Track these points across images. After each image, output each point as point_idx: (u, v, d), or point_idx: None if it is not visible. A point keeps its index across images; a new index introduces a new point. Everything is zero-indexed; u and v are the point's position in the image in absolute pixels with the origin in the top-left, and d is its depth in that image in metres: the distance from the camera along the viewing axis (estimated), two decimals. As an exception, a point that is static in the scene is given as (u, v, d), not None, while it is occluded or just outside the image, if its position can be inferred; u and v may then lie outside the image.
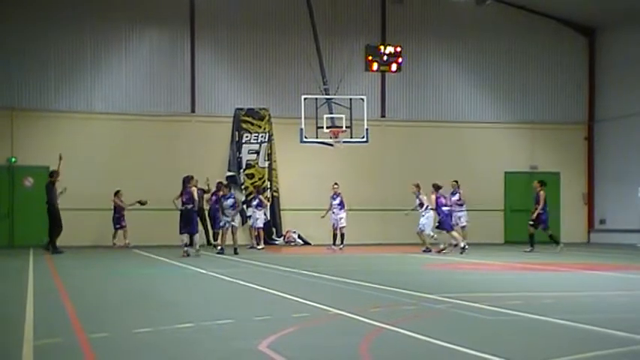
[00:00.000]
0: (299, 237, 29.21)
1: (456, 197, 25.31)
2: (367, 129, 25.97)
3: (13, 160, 27.97)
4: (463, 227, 25.48)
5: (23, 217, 27.83)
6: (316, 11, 28.13)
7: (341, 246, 24.75)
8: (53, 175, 23.47)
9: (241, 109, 29.69)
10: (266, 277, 15.50)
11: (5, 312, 10.49)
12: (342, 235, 24.90)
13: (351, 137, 25.88)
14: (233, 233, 23.31)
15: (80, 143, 28.41)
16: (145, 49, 29.51)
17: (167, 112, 29.41)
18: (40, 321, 9.32)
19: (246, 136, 29.54)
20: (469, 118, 31.79)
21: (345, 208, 25.05)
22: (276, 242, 29.20)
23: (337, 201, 24.92)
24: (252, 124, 29.57)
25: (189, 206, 21.73)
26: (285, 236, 29.38)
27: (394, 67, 30.35)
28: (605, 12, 30.98)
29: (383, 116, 31.03)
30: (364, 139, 26.02)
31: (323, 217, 25.13)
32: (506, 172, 31.65)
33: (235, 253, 22.50)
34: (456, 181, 25.69)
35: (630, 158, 30.41)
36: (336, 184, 25.23)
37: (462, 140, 31.48)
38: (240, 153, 29.47)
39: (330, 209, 24.96)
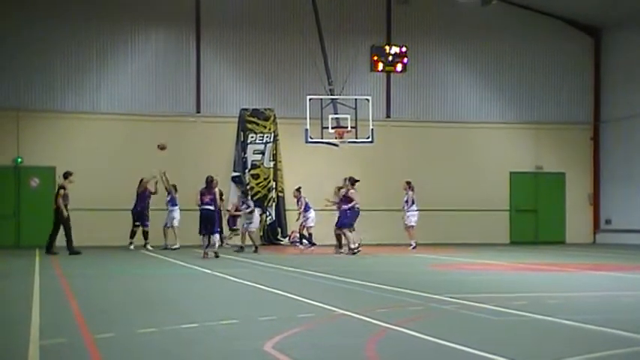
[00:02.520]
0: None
1: (404, 198, 26.01)
2: (372, 129, 25.95)
3: (19, 160, 28.03)
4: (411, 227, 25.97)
5: (29, 218, 27.88)
6: (321, 11, 28.13)
7: (308, 245, 25.14)
8: (67, 176, 23.08)
9: (246, 109, 29.70)
10: (271, 278, 15.50)
11: (11, 312, 10.52)
12: (310, 235, 25.39)
13: (357, 138, 25.86)
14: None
15: (85, 143, 28.48)
16: (151, 50, 29.54)
17: (172, 112, 29.44)
18: (45, 321, 9.33)
19: (252, 137, 29.55)
20: (474, 118, 31.75)
21: (312, 207, 25.33)
22: (281, 242, 29.21)
23: (298, 205, 25.44)
24: (258, 124, 29.58)
25: (212, 207, 21.53)
26: (290, 236, 29.37)
27: (399, 67, 30.32)
28: (611, 12, 30.94)
29: (388, 116, 31.01)
30: (369, 140, 26.00)
31: (297, 220, 25.87)
32: (511, 172, 31.60)
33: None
34: (408, 182, 26.11)
35: (636, 158, 30.35)
36: (297, 189, 25.61)
37: (468, 140, 31.45)
38: (245, 153, 29.47)
39: (300, 211, 25.40)
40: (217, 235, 21.71)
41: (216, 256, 21.00)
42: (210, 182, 21.82)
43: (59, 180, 23.43)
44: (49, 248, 22.84)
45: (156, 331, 8.59)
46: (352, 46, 30.23)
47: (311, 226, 25.32)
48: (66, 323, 9.32)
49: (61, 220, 22.85)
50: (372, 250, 24.81)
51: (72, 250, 22.62)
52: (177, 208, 26.05)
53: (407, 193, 25.97)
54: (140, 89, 29.33)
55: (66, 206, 22.87)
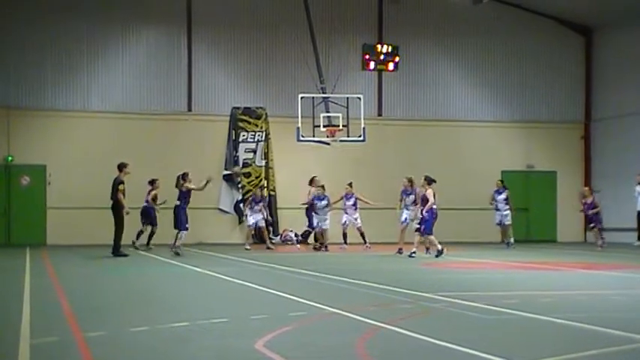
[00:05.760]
0: (295, 236, 29.19)
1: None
2: (364, 128, 25.98)
3: (10, 158, 27.94)
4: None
5: (20, 216, 27.84)
6: (313, 10, 28.12)
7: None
8: (122, 168, 21.65)
9: (238, 107, 29.68)
10: (262, 276, 15.50)
11: (2, 310, 10.49)
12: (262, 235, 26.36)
13: (348, 136, 25.88)
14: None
15: (77, 142, 28.43)
16: (142, 48, 29.49)
17: (164, 110, 29.39)
18: (36, 320, 9.32)
19: (243, 135, 29.53)
20: (466, 116, 31.80)
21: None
22: (273, 241, 29.15)
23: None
24: (249, 122, 29.56)
25: (177, 203, 22.09)
26: (282, 235, 29.37)
27: (391, 65, 30.28)
28: (602, 11, 31.00)
29: (380, 115, 31.02)
30: (361, 138, 26.02)
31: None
32: (502, 171, 31.64)
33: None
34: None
35: (626, 157, 30.43)
36: (261, 188, 26.91)
37: (459, 139, 31.49)
38: (237, 152, 29.46)
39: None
40: (183, 233, 21.97)
41: (175, 251, 21.60)
42: (181, 178, 22.33)
43: (117, 175, 21.58)
44: (116, 250, 21.15)
45: (147, 329, 8.58)
46: (344, 45, 30.23)
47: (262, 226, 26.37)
48: (57, 322, 9.30)
49: (117, 216, 21.26)
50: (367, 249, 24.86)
51: (118, 252, 21.18)
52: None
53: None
54: (131, 88, 29.28)
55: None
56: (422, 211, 21.18)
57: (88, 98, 28.90)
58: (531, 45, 32.13)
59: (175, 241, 21.96)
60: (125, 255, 21.11)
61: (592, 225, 25.47)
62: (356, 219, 25.43)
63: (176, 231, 22.07)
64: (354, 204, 25.42)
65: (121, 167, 21.77)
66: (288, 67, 30.05)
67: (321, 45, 28.31)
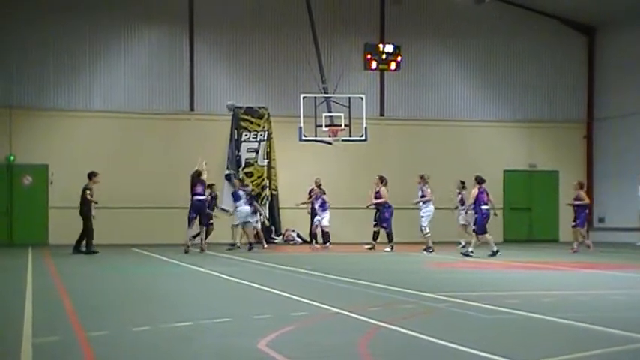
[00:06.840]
0: (298, 235, 29.21)
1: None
2: (366, 127, 25.99)
3: (12, 158, 27.96)
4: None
5: (22, 216, 27.87)
6: (315, 10, 28.13)
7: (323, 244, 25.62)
8: (91, 177, 22.56)
9: (240, 107, 29.67)
10: (265, 276, 15.50)
11: (4, 310, 10.49)
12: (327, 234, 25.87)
13: (350, 136, 25.90)
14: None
15: (79, 142, 28.45)
16: (144, 48, 29.51)
17: (166, 110, 29.41)
18: (39, 319, 9.32)
19: (245, 135, 29.52)
20: (468, 116, 31.80)
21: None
22: (275, 241, 29.18)
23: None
24: (251, 122, 29.54)
25: (204, 197, 22.52)
26: (284, 235, 29.38)
27: (393, 65, 30.30)
28: (605, 11, 31.01)
29: (382, 115, 31.03)
30: (363, 138, 26.03)
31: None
32: (505, 171, 31.65)
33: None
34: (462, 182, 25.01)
35: (629, 157, 30.43)
36: (246, 185, 26.16)
37: (461, 139, 31.49)
38: (239, 151, 29.44)
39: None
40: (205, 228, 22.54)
41: (201, 251, 21.90)
42: (199, 174, 22.51)
43: (87, 183, 22.57)
44: (87, 248, 22.15)
45: (150, 328, 8.59)
46: (346, 45, 30.24)
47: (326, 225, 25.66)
48: (59, 321, 9.31)
49: (85, 219, 22.24)
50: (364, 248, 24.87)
51: (77, 249, 22.34)
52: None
53: (460, 193, 25.08)
54: (134, 87, 29.31)
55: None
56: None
57: (90, 98, 28.93)
58: (534, 44, 32.12)
59: (204, 237, 22.61)
60: (95, 252, 21.83)
61: (574, 223, 24.35)
62: (322, 219, 25.65)
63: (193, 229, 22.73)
64: (322, 205, 25.48)
65: (91, 176, 22.57)
66: (290, 67, 30.07)
67: (323, 45, 28.33)
